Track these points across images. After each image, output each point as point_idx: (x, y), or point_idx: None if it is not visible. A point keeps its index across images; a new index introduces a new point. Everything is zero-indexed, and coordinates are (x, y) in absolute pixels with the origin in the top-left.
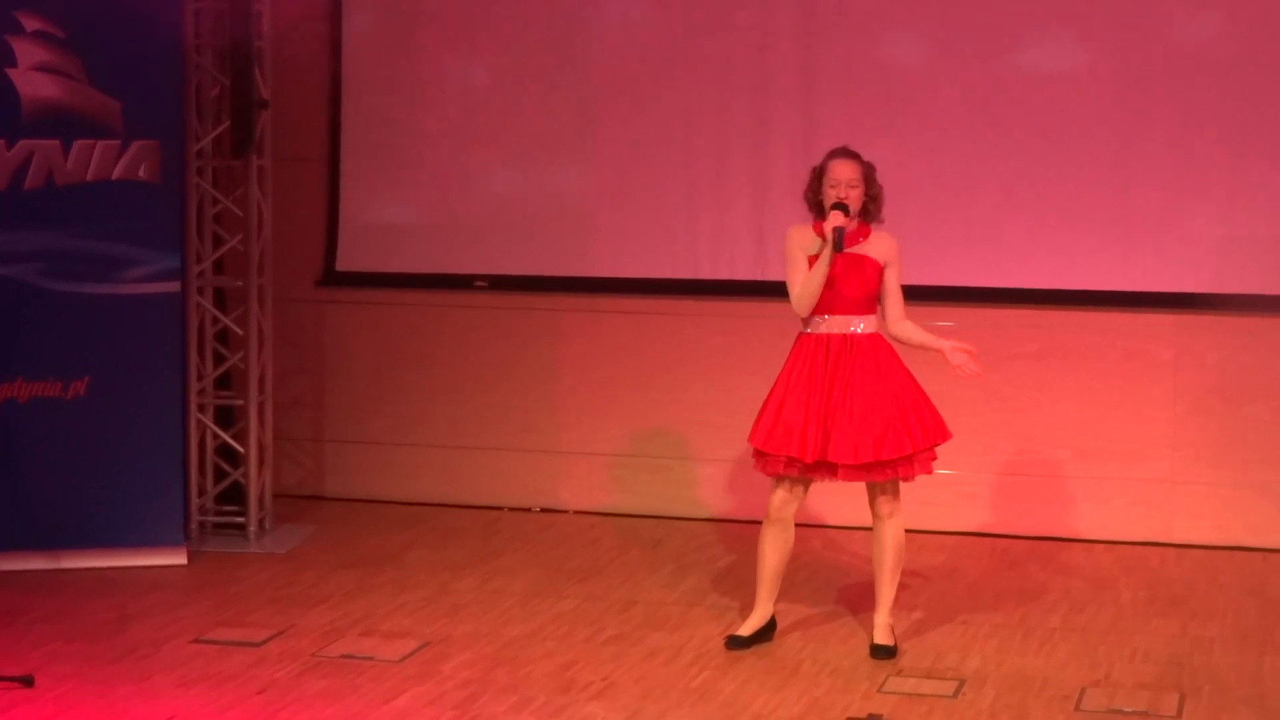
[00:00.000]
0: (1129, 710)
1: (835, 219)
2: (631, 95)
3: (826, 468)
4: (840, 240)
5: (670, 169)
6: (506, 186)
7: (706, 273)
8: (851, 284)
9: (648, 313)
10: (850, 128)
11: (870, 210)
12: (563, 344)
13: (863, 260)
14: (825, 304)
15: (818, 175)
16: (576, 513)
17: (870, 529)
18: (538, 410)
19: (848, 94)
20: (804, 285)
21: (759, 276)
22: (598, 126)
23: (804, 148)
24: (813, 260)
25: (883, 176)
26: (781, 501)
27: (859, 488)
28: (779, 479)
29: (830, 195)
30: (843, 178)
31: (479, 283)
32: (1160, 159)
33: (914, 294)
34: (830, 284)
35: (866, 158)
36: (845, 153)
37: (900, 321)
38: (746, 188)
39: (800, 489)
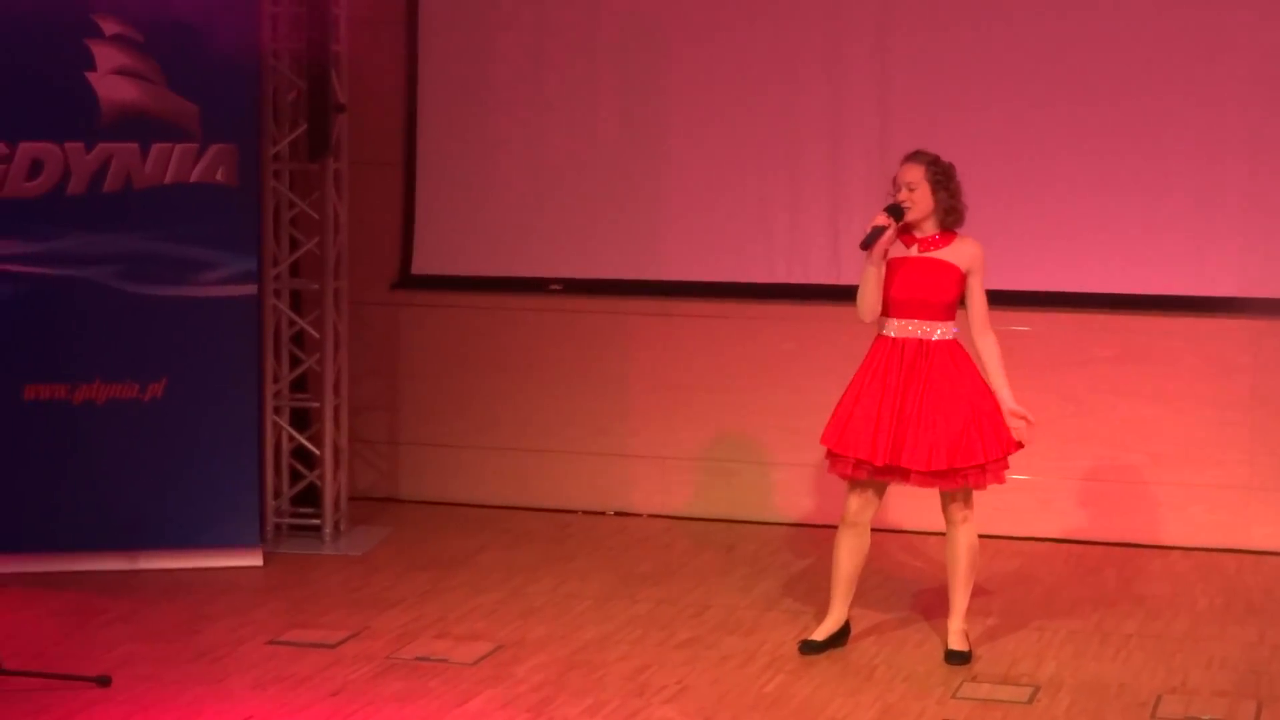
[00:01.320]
0: (1206, 718)
1: (878, 218)
2: (704, 97)
3: (898, 472)
4: (873, 239)
5: (743, 171)
6: (579, 190)
7: (780, 275)
8: (929, 289)
9: (720, 316)
10: (926, 129)
11: (944, 213)
12: (634, 347)
13: (942, 266)
14: (903, 308)
15: (893, 180)
16: (649, 516)
17: (944, 534)
18: (610, 413)
19: (924, 94)
20: (861, 288)
21: (833, 280)
22: (670, 129)
23: (879, 148)
24: (887, 268)
25: (959, 179)
26: (858, 506)
27: (934, 493)
28: (854, 483)
29: (895, 199)
30: (903, 180)
31: (553, 286)
32: (1240, 164)
33: (992, 298)
34: (908, 290)
35: (944, 158)
36: (912, 156)
37: (984, 333)
38: (821, 189)
39: (875, 494)
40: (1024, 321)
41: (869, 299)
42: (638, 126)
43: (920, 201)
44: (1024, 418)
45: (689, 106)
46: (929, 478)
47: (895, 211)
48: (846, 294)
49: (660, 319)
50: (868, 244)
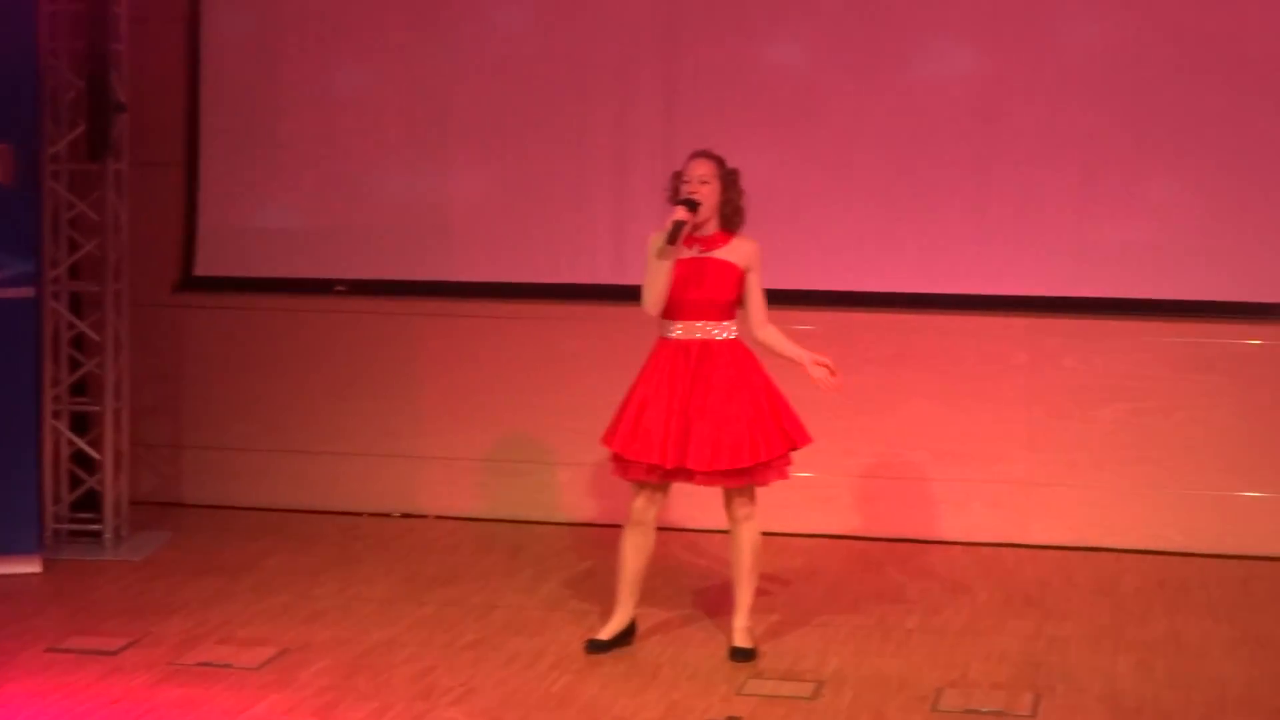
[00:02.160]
0: (985, 710)
1: (677, 213)
2: (491, 100)
3: (685, 473)
4: (676, 234)
5: (529, 172)
6: (365, 191)
7: (565, 276)
8: (711, 289)
9: (506, 316)
10: (711, 131)
11: (730, 215)
12: (421, 348)
13: (723, 265)
14: (686, 310)
15: (677, 175)
16: (436, 518)
17: (728, 532)
18: (396, 415)
19: (709, 97)
20: (649, 280)
21: (618, 280)
22: (456, 132)
23: (664, 151)
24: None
25: (742, 181)
26: (643, 505)
27: (717, 491)
28: (639, 483)
29: (683, 192)
30: (695, 174)
31: (338, 287)
32: (1016, 165)
33: (772, 298)
34: (690, 289)
35: (728, 163)
36: (703, 153)
37: (764, 326)
38: (606, 191)
39: (661, 493)
40: (806, 321)
41: (659, 291)
42: (424, 127)
43: (710, 198)
44: (825, 365)
45: (476, 109)
46: (714, 477)
47: (691, 205)
48: (631, 294)
49: (447, 320)
50: (674, 238)
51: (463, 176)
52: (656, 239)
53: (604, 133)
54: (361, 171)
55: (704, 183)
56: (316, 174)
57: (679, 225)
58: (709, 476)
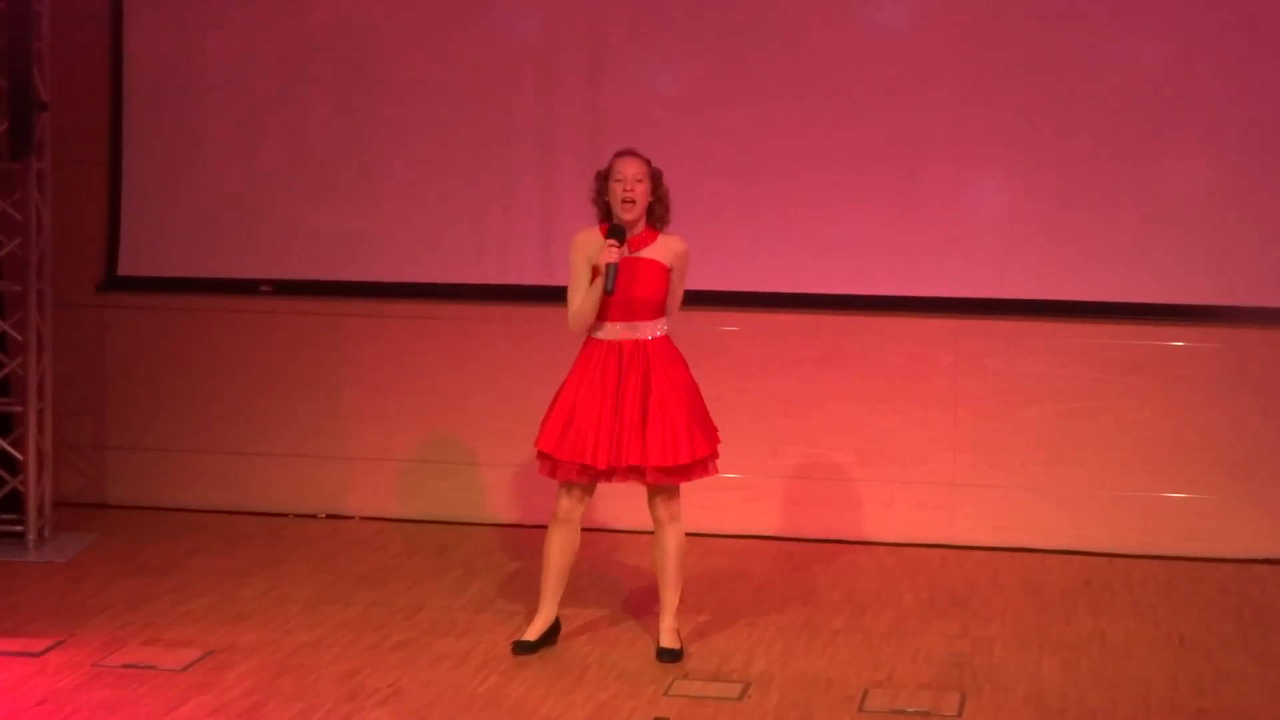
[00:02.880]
0: (911, 710)
1: (609, 254)
2: (417, 99)
3: (619, 472)
4: (612, 281)
5: (456, 173)
6: (290, 190)
7: (492, 277)
8: (643, 288)
9: (433, 317)
10: (636, 133)
11: (657, 213)
12: (347, 349)
13: (650, 265)
14: (617, 310)
15: (604, 176)
16: (362, 519)
17: (652, 533)
18: (322, 416)
19: (635, 100)
20: (578, 308)
21: (545, 281)
22: (383, 131)
23: (590, 151)
24: (596, 272)
25: (665, 178)
26: (569, 504)
27: (642, 492)
28: (568, 484)
29: (616, 191)
30: (628, 173)
31: (263, 287)
32: (941, 166)
33: (696, 299)
34: (623, 288)
35: (654, 162)
36: (631, 152)
37: (670, 316)
38: (532, 191)
39: (588, 493)
40: (731, 322)
41: (589, 317)
42: (350, 127)
43: (641, 198)
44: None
45: (402, 108)
46: (659, 474)
47: (619, 233)
48: (557, 295)
49: (373, 320)
50: (611, 287)
51: (390, 176)
52: (582, 240)
53: (531, 134)
54: (286, 171)
55: (638, 181)
56: (241, 173)
57: (613, 269)
58: (655, 473)
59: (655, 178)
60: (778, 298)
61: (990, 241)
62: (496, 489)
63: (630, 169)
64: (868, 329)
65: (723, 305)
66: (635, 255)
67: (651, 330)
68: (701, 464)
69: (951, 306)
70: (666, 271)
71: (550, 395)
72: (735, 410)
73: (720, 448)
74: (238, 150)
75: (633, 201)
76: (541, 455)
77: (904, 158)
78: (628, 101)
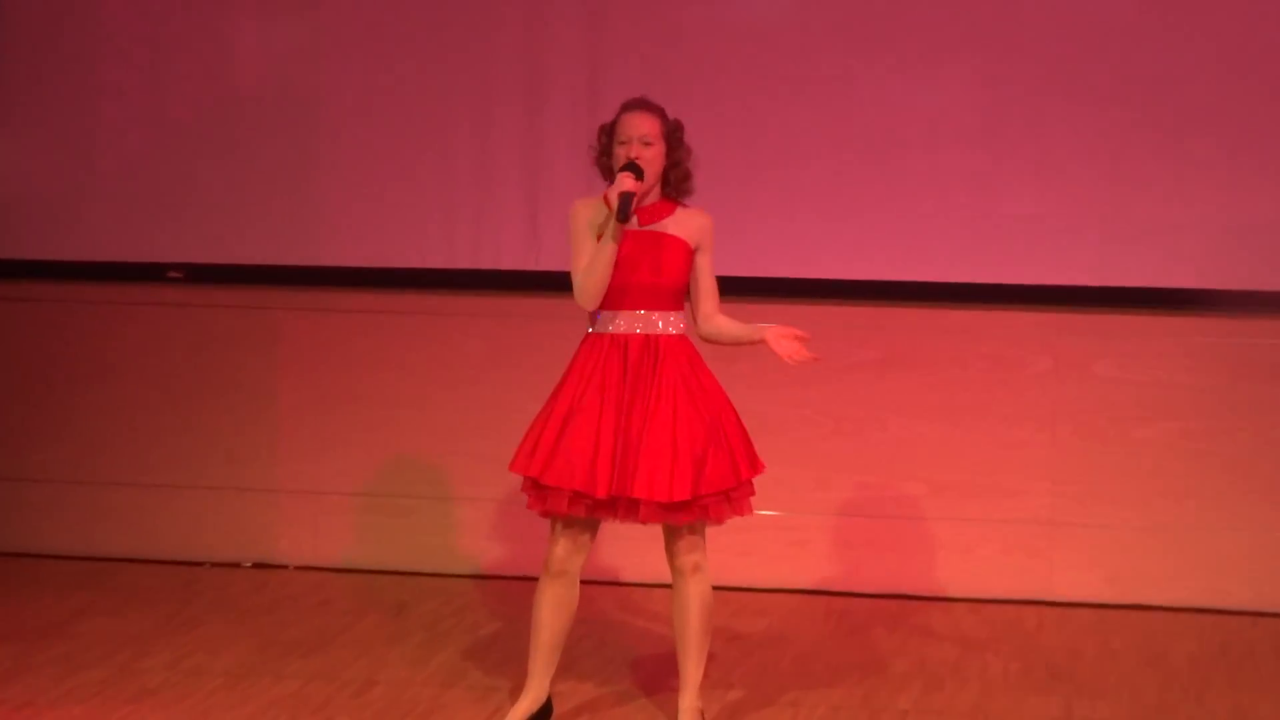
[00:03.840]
0: None
1: (623, 182)
2: (372, 44)
3: (623, 505)
4: (627, 208)
5: (420, 133)
6: (207, 151)
7: (465, 260)
8: (653, 271)
9: (390, 311)
10: (647, 85)
11: (675, 180)
12: (280, 351)
13: (667, 241)
14: (621, 296)
15: (608, 132)
16: (298, 568)
17: (670, 586)
18: (249, 437)
19: (645, 29)
20: (588, 267)
21: (532, 266)
22: (324, 73)
23: (589, 107)
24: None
25: (687, 135)
26: (565, 551)
27: (656, 534)
28: (563, 523)
29: (620, 155)
30: (636, 132)
31: (172, 273)
32: (1031, 124)
33: (725, 287)
34: (628, 271)
35: (672, 115)
36: (642, 104)
37: (712, 318)
38: (516, 155)
39: (587, 534)
40: (766, 316)
41: (600, 278)
42: (284, 71)
43: (654, 162)
44: (796, 335)
45: (353, 53)
46: (663, 510)
47: (636, 170)
48: (549, 283)
49: (315, 315)
50: (625, 214)
51: (336, 136)
52: (583, 207)
53: (513, 85)
54: (202, 126)
55: (647, 143)
56: (144, 129)
57: (628, 198)
58: (654, 509)
59: (673, 136)
60: (826, 286)
61: (1094, 216)
62: (471, 529)
63: (639, 126)
64: (941, 325)
65: (755, 295)
66: (647, 229)
67: (667, 324)
68: (723, 499)
69: (1048, 297)
70: (689, 252)
71: (539, 406)
72: (773, 430)
73: (759, 479)
74: (139, 100)
75: (642, 169)
76: (527, 483)
77: (983, 117)
78: (637, 37)
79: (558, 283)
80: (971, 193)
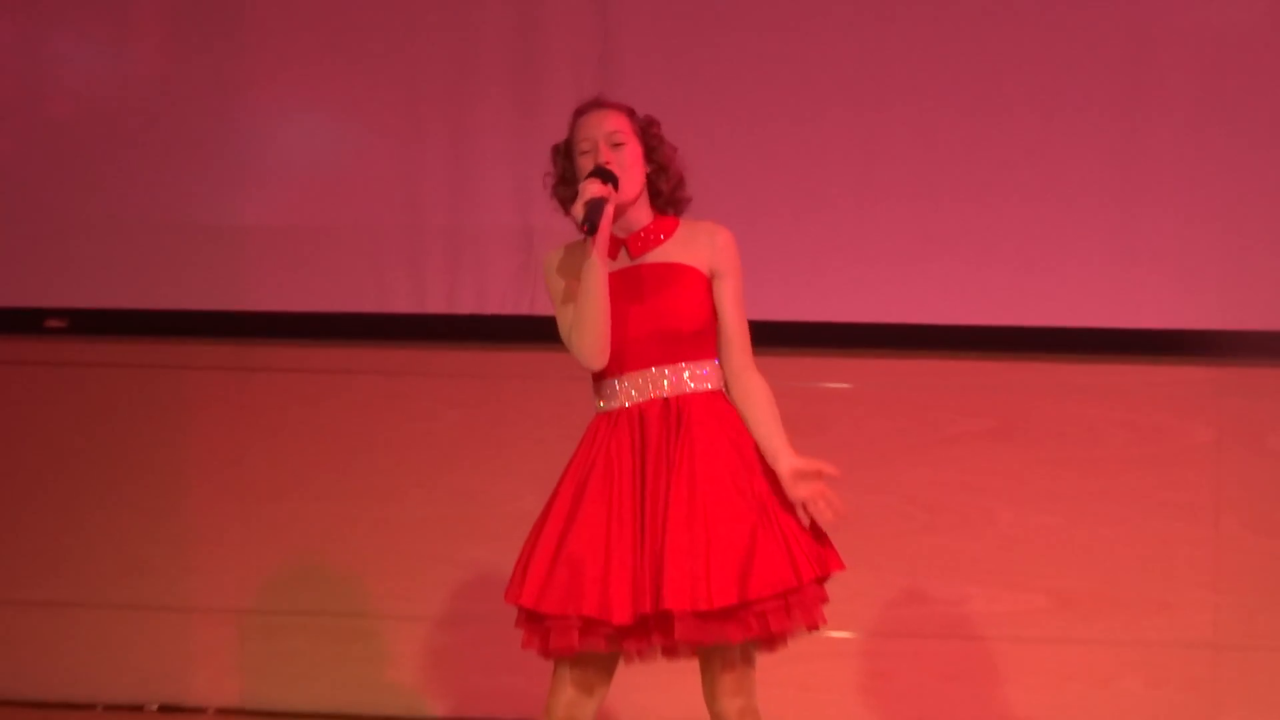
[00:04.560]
0: None
1: (588, 189)
2: (313, 27)
3: (654, 627)
4: (596, 215)
5: (374, 138)
6: (94, 170)
7: (436, 305)
8: (660, 313)
9: (335, 370)
10: (666, 95)
11: (666, 188)
12: (194, 422)
13: (672, 272)
14: (624, 356)
15: (563, 151)
16: (217, 712)
17: None
18: (152, 538)
19: (663, 43)
20: (577, 317)
21: (526, 310)
22: (246, 61)
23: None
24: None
25: (724, 165)
26: (571, 699)
27: (691, 669)
28: (569, 662)
29: (585, 167)
30: (599, 132)
31: (51, 322)
32: (1175, 128)
33: (784, 335)
34: (627, 320)
35: (642, 112)
36: (599, 101)
37: (742, 374)
38: (501, 167)
39: (601, 676)
40: (837, 374)
41: (597, 321)
42: (193, 67)
43: (632, 166)
44: (819, 470)
45: (288, 43)
46: (701, 624)
47: (606, 175)
48: (548, 331)
49: (238, 377)
50: (593, 221)
51: (260, 138)
52: (556, 257)
53: (499, 93)
54: (87, 137)
55: (616, 144)
56: (11, 143)
57: (596, 205)
58: (690, 623)
59: (648, 133)
60: (915, 333)
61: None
62: (444, 660)
63: (602, 124)
64: (1068, 384)
65: (821, 346)
66: (644, 261)
67: (690, 379)
68: (782, 609)
69: (1208, 346)
70: (703, 280)
71: (535, 501)
72: (845, 523)
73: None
74: (16, 117)
75: (616, 177)
76: (520, 615)
77: (1124, 134)
78: (654, 20)
79: (546, 333)
80: (1105, 215)
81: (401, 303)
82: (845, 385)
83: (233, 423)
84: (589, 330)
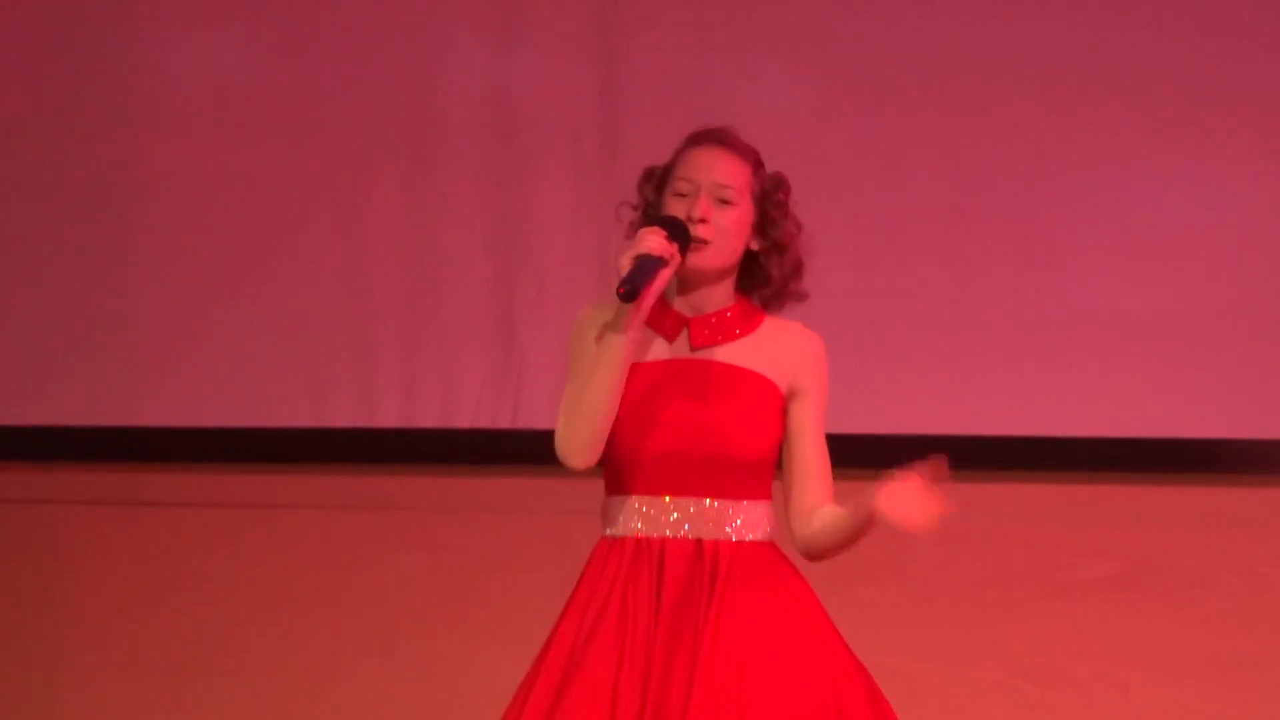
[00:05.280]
0: None
1: (649, 240)
2: (203, 79)
3: None
4: (638, 279)
5: (310, 205)
6: None
7: (395, 418)
8: (715, 425)
9: (254, 504)
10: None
11: (775, 273)
12: (69, 575)
13: (736, 378)
14: (653, 471)
15: (656, 181)
16: None
17: None
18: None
19: (669, 103)
20: (577, 391)
21: (503, 424)
22: (149, 119)
23: (597, 192)
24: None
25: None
26: None
27: None
28: None
29: (678, 208)
30: (707, 178)
31: None
32: None
33: (852, 452)
34: (665, 428)
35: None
36: (723, 137)
37: (817, 511)
38: (482, 229)
39: None
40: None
41: (598, 409)
42: (86, 119)
43: (732, 234)
44: (921, 479)
45: (186, 99)
46: None
47: (679, 232)
48: (537, 451)
49: (132, 514)
50: (634, 284)
51: (167, 223)
52: (595, 316)
53: (477, 159)
54: None
55: (724, 201)
56: None
57: (647, 265)
58: None
59: (769, 198)
60: (1018, 449)
61: None
62: None
63: (715, 169)
64: (1220, 515)
65: (892, 466)
66: (705, 356)
67: (736, 522)
68: None
69: None
70: (777, 398)
71: (520, 674)
72: (934, 700)
73: None
74: None
75: (704, 241)
76: None
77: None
78: (659, 105)
79: (534, 454)
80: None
81: (344, 415)
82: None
83: (120, 575)
84: (583, 416)
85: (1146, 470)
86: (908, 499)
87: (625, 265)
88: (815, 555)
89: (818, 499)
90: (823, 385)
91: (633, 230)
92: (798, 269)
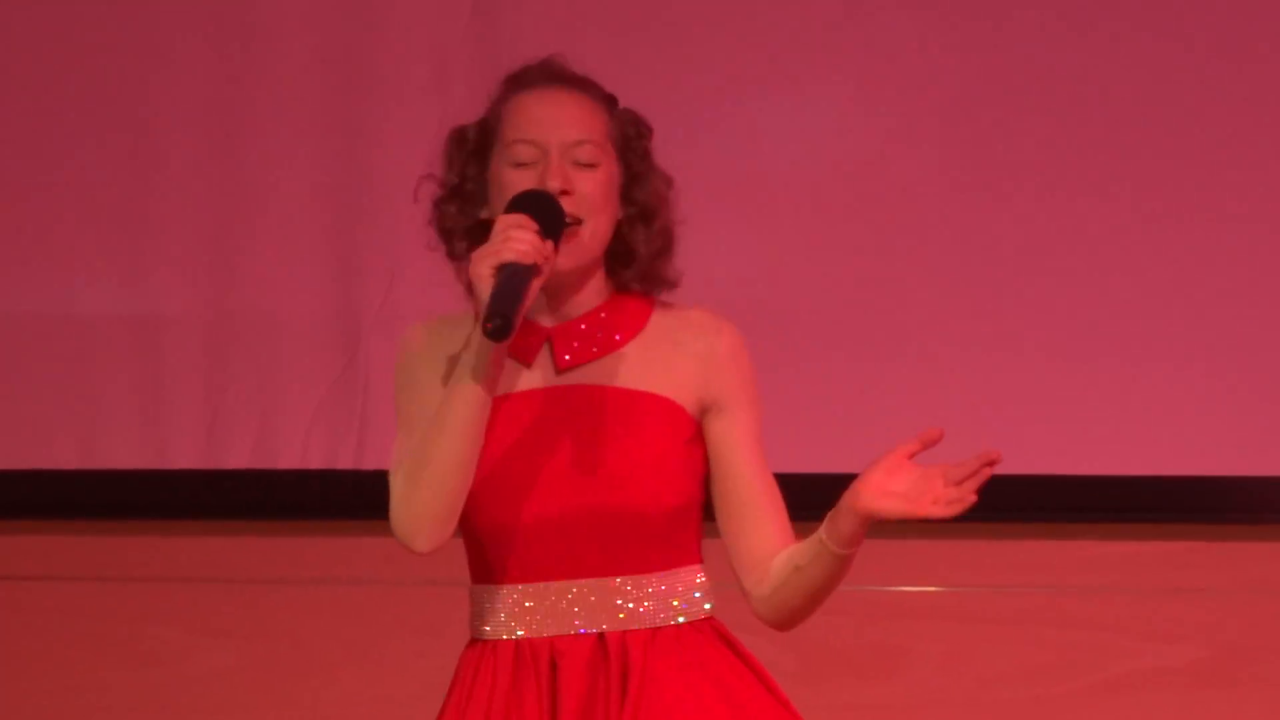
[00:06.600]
0: None
1: (508, 242)
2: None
3: None
4: (508, 301)
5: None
6: None
7: (183, 457)
8: (606, 474)
9: (36, 576)
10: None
11: (646, 247)
12: None
13: (635, 404)
14: (528, 545)
15: (473, 143)
16: None
17: None
18: None
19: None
20: (421, 444)
21: (343, 464)
22: None
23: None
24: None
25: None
26: None
27: None
28: None
29: (514, 184)
30: (554, 135)
31: None
32: None
33: (799, 504)
34: (539, 480)
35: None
36: (558, 75)
37: (778, 558)
38: (326, 263)
39: None
40: (929, 571)
41: (449, 473)
42: None
43: (600, 205)
44: (914, 451)
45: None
46: None
47: (552, 218)
48: (377, 498)
49: None
50: (505, 314)
51: None
52: (421, 336)
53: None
54: None
55: (584, 164)
56: None
57: (515, 279)
58: None
59: (630, 144)
60: (1052, 491)
61: None
62: None
63: (558, 122)
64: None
65: (895, 529)
66: (581, 380)
67: (648, 604)
68: None
69: None
70: (688, 422)
71: None
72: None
73: None
74: None
75: (578, 221)
76: None
77: None
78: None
79: (371, 509)
80: None
81: (121, 455)
82: (937, 589)
83: None
84: (428, 484)
85: (1222, 517)
86: (907, 479)
87: (484, 282)
88: (785, 620)
89: (771, 543)
90: (748, 389)
91: (432, 215)
92: (668, 242)
